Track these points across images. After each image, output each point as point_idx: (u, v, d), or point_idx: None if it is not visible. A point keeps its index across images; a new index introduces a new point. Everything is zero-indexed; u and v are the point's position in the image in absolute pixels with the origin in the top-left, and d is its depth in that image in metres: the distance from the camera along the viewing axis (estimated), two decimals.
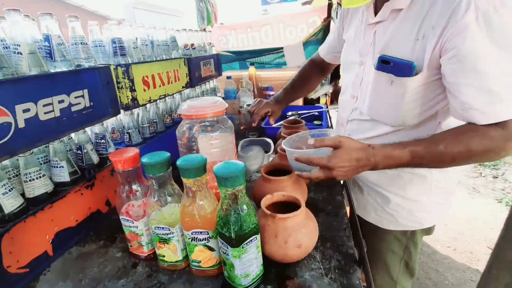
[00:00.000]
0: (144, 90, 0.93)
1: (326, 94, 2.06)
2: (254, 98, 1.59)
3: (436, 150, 0.60)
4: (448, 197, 0.88)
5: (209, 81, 1.53)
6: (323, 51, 1.17)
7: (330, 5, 2.00)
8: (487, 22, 0.55)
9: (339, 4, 1.74)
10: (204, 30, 2.04)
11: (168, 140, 1.12)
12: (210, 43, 1.59)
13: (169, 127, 1.13)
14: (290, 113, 1.67)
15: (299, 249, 0.58)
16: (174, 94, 1.19)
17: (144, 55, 0.96)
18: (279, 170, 0.81)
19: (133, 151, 0.60)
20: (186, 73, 1.24)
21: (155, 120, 1.04)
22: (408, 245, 0.90)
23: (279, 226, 0.58)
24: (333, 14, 2.02)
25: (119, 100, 0.83)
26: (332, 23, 2.02)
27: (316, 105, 1.82)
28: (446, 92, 0.67)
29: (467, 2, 0.56)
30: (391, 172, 0.83)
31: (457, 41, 0.58)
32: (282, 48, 2.11)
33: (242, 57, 2.20)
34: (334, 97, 2.07)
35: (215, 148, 0.76)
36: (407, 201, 0.85)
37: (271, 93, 1.73)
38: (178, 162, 0.52)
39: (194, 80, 1.31)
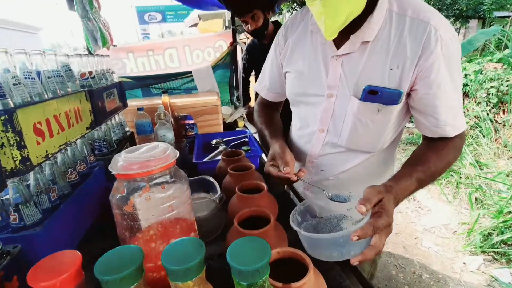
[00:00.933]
0: (38, 143, 0.64)
1: (242, 117, 2.05)
2: (173, 130, 1.40)
3: (430, 171, 0.68)
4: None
5: (114, 115, 1.25)
6: (264, 91, 1.03)
7: (234, 31, 2.02)
8: (447, 51, 0.65)
9: (247, 32, 1.77)
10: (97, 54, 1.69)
11: (82, 203, 0.82)
12: (110, 70, 1.32)
13: (76, 184, 0.83)
14: (214, 141, 1.56)
15: None
16: (76, 140, 0.89)
17: (31, 93, 0.67)
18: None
19: (72, 257, 0.37)
20: (90, 110, 0.96)
21: (55, 181, 0.74)
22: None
23: None
24: (237, 39, 2.05)
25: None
26: (238, 47, 2.05)
27: (237, 129, 1.77)
28: (413, 113, 0.75)
29: (434, 33, 0.64)
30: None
31: (431, 70, 0.65)
32: (190, 72, 1.99)
33: (145, 83, 1.95)
34: (250, 120, 2.09)
35: (173, 211, 0.58)
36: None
37: (190, 122, 1.57)
38: (164, 262, 0.34)
39: (100, 117, 1.04)
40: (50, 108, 0.71)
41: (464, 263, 1.86)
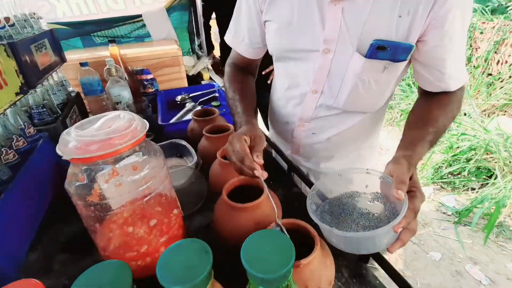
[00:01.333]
0: None
1: (206, 68, 1.86)
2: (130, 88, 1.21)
3: (440, 131, 0.63)
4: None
5: (51, 74, 1.02)
6: (242, 47, 0.84)
7: None
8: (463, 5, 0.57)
9: None
10: None
11: (29, 188, 0.69)
12: (34, 14, 1.03)
13: (17, 165, 0.68)
14: (179, 97, 1.40)
15: None
16: (6, 110, 0.71)
17: None
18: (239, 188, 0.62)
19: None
20: (16, 69, 0.75)
21: None
22: None
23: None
24: None
25: None
26: None
27: (204, 83, 1.61)
28: (415, 66, 0.68)
29: None
30: (353, 155, 0.86)
31: (445, 19, 0.57)
32: (140, 16, 1.68)
33: (85, 31, 1.61)
34: (216, 70, 1.90)
35: (151, 193, 0.49)
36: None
37: (148, 77, 1.37)
38: (162, 280, 0.27)
39: (31, 77, 0.82)
40: None
41: None
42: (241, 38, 0.82)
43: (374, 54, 0.62)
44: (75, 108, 1.16)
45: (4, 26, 0.77)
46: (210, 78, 1.77)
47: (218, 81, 1.66)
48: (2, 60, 0.70)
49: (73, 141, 0.43)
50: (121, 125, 0.46)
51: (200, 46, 1.91)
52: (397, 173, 0.49)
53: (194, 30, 1.89)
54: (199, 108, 1.16)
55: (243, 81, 0.86)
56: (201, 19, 1.85)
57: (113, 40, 1.25)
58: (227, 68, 0.90)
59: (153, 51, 1.42)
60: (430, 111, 0.65)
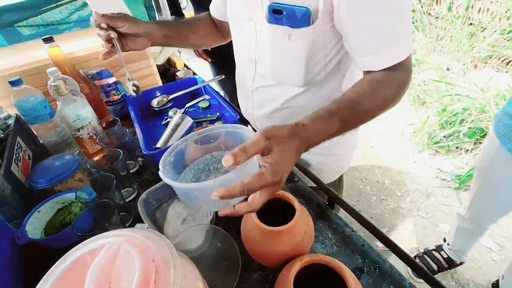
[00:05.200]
0: None
1: (178, 53, 1.53)
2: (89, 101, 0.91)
3: (360, 110, 0.54)
4: (356, 135, 0.90)
5: None
6: (213, 7, 0.88)
7: None
8: None
9: None
10: None
11: None
12: None
13: None
14: (155, 101, 1.12)
15: None
16: None
17: None
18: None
19: None
20: None
21: None
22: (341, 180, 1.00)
23: None
24: None
25: None
26: None
27: (181, 74, 1.30)
28: (342, 40, 0.62)
29: None
30: None
31: None
32: None
33: (5, 21, 1.18)
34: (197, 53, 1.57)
35: None
36: (329, 158, 0.86)
37: (110, 80, 1.04)
38: None
39: None
40: None
41: (414, 162, 2.07)
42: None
43: (273, 19, 0.61)
44: (19, 141, 0.85)
45: None
46: (186, 66, 1.45)
47: (200, 71, 1.37)
48: None
49: None
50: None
51: None
52: (253, 135, 0.41)
53: (153, 3, 1.50)
54: (191, 123, 0.90)
55: (202, 18, 0.91)
56: None
57: (50, 38, 0.88)
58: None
59: None
60: (358, 85, 0.57)
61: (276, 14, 0.60)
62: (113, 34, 0.71)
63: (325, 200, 0.71)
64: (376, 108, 0.56)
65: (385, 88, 0.56)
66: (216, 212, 0.65)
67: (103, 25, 0.71)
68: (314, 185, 0.72)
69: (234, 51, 0.84)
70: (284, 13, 0.59)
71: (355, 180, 2.00)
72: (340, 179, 1.01)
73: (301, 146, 0.46)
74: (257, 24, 0.67)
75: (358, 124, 0.56)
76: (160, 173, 0.47)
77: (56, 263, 0.28)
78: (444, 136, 2.10)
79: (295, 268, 0.45)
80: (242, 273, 0.57)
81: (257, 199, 0.42)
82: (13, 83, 0.77)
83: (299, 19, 0.58)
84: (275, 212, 0.57)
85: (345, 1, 0.53)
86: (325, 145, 0.75)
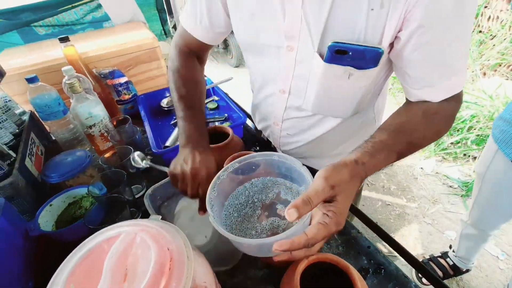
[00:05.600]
0: None
1: None
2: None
3: (415, 143, 0.53)
4: None
5: None
6: (200, 31, 0.72)
7: None
8: None
9: None
10: None
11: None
12: None
13: None
14: (165, 101, 1.14)
15: None
16: None
17: None
18: None
19: None
20: None
21: None
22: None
23: None
24: None
25: None
26: None
27: None
28: (394, 69, 0.59)
29: None
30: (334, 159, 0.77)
31: (421, 11, 0.45)
32: None
33: (22, 21, 1.22)
34: None
35: None
36: None
37: (122, 80, 1.07)
38: None
39: None
40: None
41: (421, 168, 2.06)
42: (198, 19, 0.70)
43: (334, 58, 0.53)
44: (33, 136, 0.87)
45: None
46: None
47: (209, 72, 1.38)
48: None
49: None
50: (147, 285, 0.25)
51: (174, 27, 1.57)
52: (313, 184, 0.39)
53: (165, 7, 1.53)
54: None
55: (192, 78, 0.74)
56: None
57: (65, 38, 0.92)
58: (171, 57, 0.76)
59: (123, 45, 1.10)
60: (412, 117, 0.55)
61: (339, 54, 0.52)
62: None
63: None
64: (429, 140, 0.56)
65: (439, 121, 0.55)
66: None
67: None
68: None
69: (254, 79, 0.77)
70: (350, 53, 0.51)
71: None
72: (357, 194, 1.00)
73: (358, 182, 0.44)
74: (299, 56, 0.59)
75: (405, 155, 0.54)
76: (211, 219, 0.44)
77: (74, 250, 0.30)
78: (451, 143, 2.09)
79: (301, 265, 0.45)
80: (248, 270, 0.58)
81: (317, 245, 0.41)
82: (30, 80, 0.79)
83: (367, 60, 0.52)
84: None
85: (416, 36, 0.48)
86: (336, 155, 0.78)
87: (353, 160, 0.44)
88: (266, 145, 0.94)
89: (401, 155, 0.51)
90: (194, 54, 0.78)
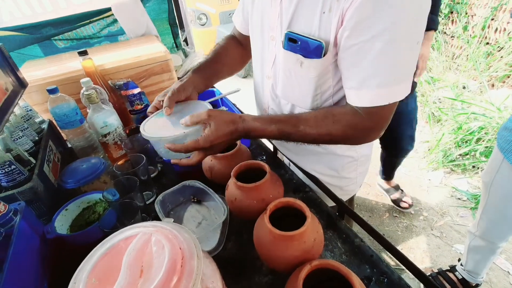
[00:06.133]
0: None
1: None
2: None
3: (299, 130, 0.62)
4: (367, 163, 0.90)
5: (11, 110, 0.76)
6: (238, 21, 0.91)
7: None
8: None
9: None
10: None
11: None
12: None
13: None
14: None
15: None
16: None
17: None
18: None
19: None
20: None
21: None
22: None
23: None
24: None
25: None
26: None
27: None
28: None
29: None
30: (326, 158, 0.83)
31: (348, 16, 0.52)
32: (109, 9, 1.37)
33: (43, 35, 1.29)
34: None
35: None
36: (341, 180, 0.87)
37: (135, 91, 1.12)
38: None
39: None
40: None
41: (429, 180, 2.04)
42: (240, 12, 0.88)
43: (289, 46, 0.64)
44: (51, 144, 0.92)
45: None
46: None
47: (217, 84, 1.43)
48: None
49: None
50: (161, 280, 0.27)
51: (186, 40, 1.63)
52: (201, 112, 0.61)
53: (177, 21, 1.60)
54: None
55: (228, 44, 0.93)
56: (184, 6, 1.56)
57: (84, 51, 0.98)
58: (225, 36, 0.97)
59: (137, 58, 1.15)
60: (316, 110, 0.66)
61: (291, 42, 0.63)
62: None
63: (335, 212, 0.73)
64: (318, 136, 0.62)
65: (333, 123, 0.61)
66: (230, 212, 0.69)
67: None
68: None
69: (254, 65, 0.87)
70: (299, 42, 0.62)
71: (367, 196, 1.99)
72: (351, 200, 1.02)
73: (236, 132, 0.61)
74: (276, 45, 0.70)
75: (298, 140, 0.64)
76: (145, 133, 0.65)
77: (96, 248, 0.33)
78: (459, 155, 2.07)
79: (304, 270, 0.47)
80: (253, 276, 0.60)
81: (194, 156, 0.62)
82: (51, 91, 0.84)
83: (312, 50, 0.61)
84: (288, 220, 0.60)
85: (343, 38, 0.54)
86: (336, 168, 0.84)
87: (239, 115, 0.62)
88: (273, 156, 0.96)
89: (283, 132, 0.62)
90: (238, 40, 0.96)
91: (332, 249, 0.64)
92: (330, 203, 0.75)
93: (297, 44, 0.62)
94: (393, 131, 1.55)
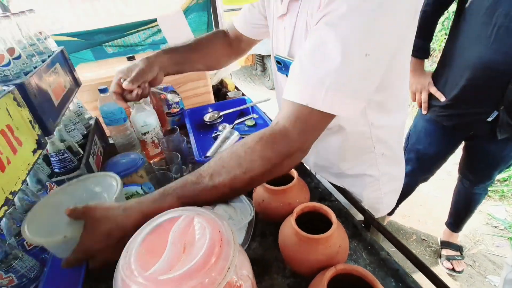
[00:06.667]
0: None
1: (230, 75, 1.68)
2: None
3: (205, 183, 0.49)
4: (393, 183, 0.84)
5: (67, 106, 0.85)
6: (240, 22, 0.90)
7: None
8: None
9: None
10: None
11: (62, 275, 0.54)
12: (41, 33, 0.87)
13: (39, 251, 0.53)
14: (208, 116, 1.24)
15: None
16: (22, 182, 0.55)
17: None
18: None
19: None
20: (30, 119, 0.59)
21: (9, 263, 0.44)
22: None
23: None
24: None
25: None
26: None
27: (231, 94, 1.43)
28: None
29: None
30: (348, 180, 0.81)
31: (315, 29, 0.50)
32: (155, 20, 1.49)
33: (96, 41, 1.43)
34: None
35: None
36: (361, 197, 0.83)
37: (175, 98, 1.20)
38: None
39: (49, 121, 0.67)
40: None
41: None
42: (242, 12, 0.88)
43: (279, 68, 0.70)
44: (96, 139, 1.01)
45: (9, 63, 0.61)
46: (236, 88, 1.59)
47: (247, 91, 1.49)
48: (12, 113, 0.53)
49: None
50: (203, 257, 0.30)
51: None
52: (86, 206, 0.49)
53: (213, 25, 1.70)
54: (238, 138, 0.99)
55: (213, 38, 0.92)
56: (222, 19, 1.65)
57: (132, 57, 1.07)
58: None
59: None
60: (226, 152, 0.52)
61: (278, 64, 0.69)
62: (142, 91, 0.76)
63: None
64: (228, 183, 0.49)
65: (244, 158, 0.48)
66: (256, 214, 0.71)
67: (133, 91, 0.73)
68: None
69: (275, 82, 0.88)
70: (282, 64, 0.68)
71: (394, 215, 1.91)
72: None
73: (115, 230, 0.45)
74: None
75: (213, 197, 0.51)
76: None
77: (143, 225, 0.36)
78: (498, 180, 1.94)
79: (329, 273, 0.48)
80: (276, 276, 0.61)
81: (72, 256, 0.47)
82: (101, 91, 0.93)
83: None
84: (313, 226, 0.61)
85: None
86: (358, 187, 0.80)
87: (117, 205, 0.49)
88: (300, 163, 0.98)
89: (182, 196, 0.48)
90: (227, 36, 0.95)
91: (357, 259, 0.63)
92: (357, 217, 0.75)
93: (281, 65, 0.68)
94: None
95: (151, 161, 0.83)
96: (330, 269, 0.48)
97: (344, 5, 0.44)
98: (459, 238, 1.69)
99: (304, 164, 0.97)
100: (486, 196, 1.84)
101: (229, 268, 0.30)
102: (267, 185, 0.67)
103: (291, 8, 0.60)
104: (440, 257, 1.63)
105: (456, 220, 1.62)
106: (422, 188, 2.10)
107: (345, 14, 0.44)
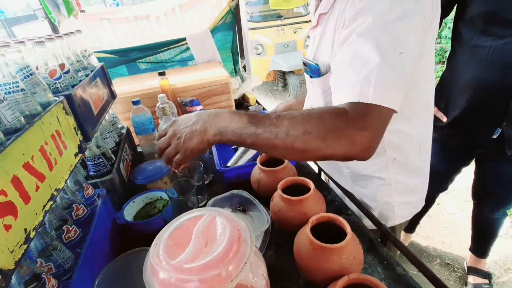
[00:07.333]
0: (7, 228, 0.38)
1: (251, 90, 1.75)
2: None
3: (272, 131, 0.53)
4: (407, 194, 0.82)
5: (104, 117, 0.94)
6: None
7: None
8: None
9: None
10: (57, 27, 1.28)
11: (93, 267, 0.59)
12: (86, 51, 0.97)
13: (78, 242, 0.59)
14: None
15: None
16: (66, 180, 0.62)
17: None
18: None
19: None
20: (74, 126, 0.67)
21: (49, 254, 0.50)
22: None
23: None
24: None
25: None
26: (241, 1, 1.64)
27: (252, 108, 1.49)
28: None
29: None
30: (360, 182, 0.84)
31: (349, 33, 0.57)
32: (184, 39, 1.61)
33: (131, 58, 1.56)
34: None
35: None
36: (374, 203, 0.84)
37: (198, 108, 1.28)
38: None
39: (89, 129, 0.74)
40: (19, 149, 0.43)
41: None
42: None
43: (305, 69, 0.80)
44: (126, 146, 1.09)
45: (60, 76, 0.70)
46: (257, 102, 1.65)
47: (268, 105, 1.54)
48: (61, 120, 0.61)
49: (164, 274, 0.32)
50: (222, 251, 0.33)
51: (244, 67, 1.80)
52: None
53: (239, 50, 1.79)
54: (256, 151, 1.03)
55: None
56: (246, 38, 1.74)
57: (163, 72, 1.16)
58: None
59: (202, 80, 1.32)
60: (297, 112, 0.55)
61: (305, 66, 0.80)
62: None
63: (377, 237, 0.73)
64: (293, 138, 0.52)
65: (309, 121, 0.52)
66: (272, 223, 0.74)
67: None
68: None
69: None
70: (307, 66, 0.78)
71: (416, 236, 1.84)
72: (392, 231, 0.96)
73: (198, 115, 0.61)
74: None
75: (267, 133, 0.53)
76: None
77: (170, 222, 0.41)
78: None
79: (341, 282, 0.49)
80: (290, 285, 0.62)
81: (167, 152, 0.65)
82: (134, 103, 1.02)
83: (313, 71, 0.75)
84: (328, 237, 0.62)
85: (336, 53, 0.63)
86: (370, 190, 0.83)
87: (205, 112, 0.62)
88: (317, 176, 0.99)
89: (255, 135, 0.54)
90: None
91: (372, 273, 0.64)
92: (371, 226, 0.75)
93: (307, 67, 0.79)
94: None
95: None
96: (342, 278, 0.50)
97: (370, 18, 0.51)
98: (488, 264, 1.59)
99: (322, 176, 0.98)
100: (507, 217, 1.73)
101: (245, 263, 0.33)
102: (284, 195, 0.70)
103: (321, 21, 0.72)
104: (466, 285, 1.53)
105: (479, 245, 1.53)
106: (447, 209, 2.01)
107: (373, 23, 0.51)
